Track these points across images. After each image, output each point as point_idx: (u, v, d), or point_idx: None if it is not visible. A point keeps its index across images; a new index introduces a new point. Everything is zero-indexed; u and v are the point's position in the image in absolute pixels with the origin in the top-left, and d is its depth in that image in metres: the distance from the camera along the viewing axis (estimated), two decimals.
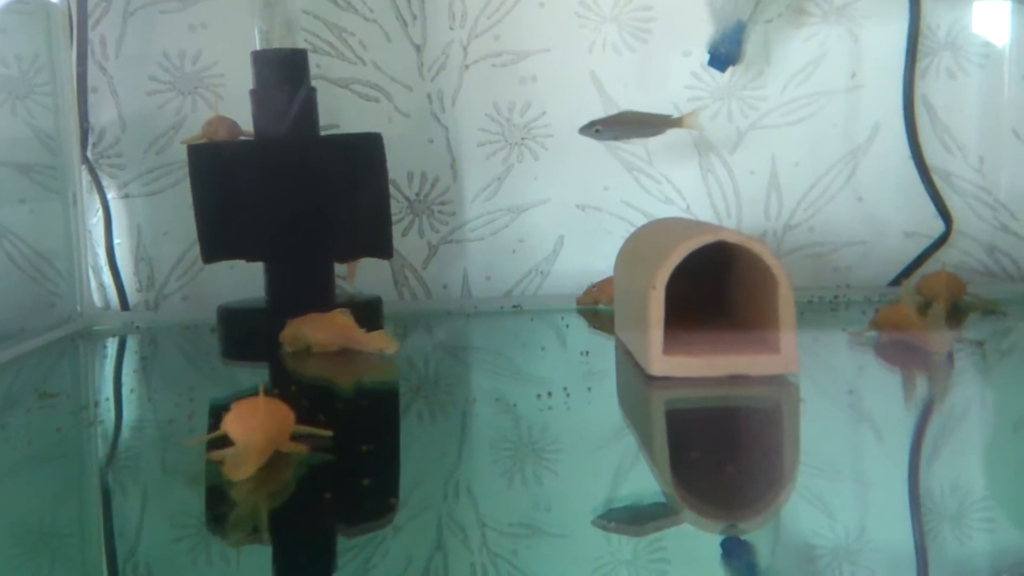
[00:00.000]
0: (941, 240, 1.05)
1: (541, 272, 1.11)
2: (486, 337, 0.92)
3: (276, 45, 0.86)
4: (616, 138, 1.01)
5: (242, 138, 0.88)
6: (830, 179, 1.09)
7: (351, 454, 0.54)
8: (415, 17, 1.07)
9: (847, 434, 0.57)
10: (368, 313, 0.88)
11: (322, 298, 0.86)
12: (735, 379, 0.62)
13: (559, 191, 1.10)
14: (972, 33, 1.05)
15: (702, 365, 0.63)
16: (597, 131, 0.98)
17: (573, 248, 1.10)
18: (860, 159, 1.08)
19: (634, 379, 0.66)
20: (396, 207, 1.09)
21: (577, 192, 1.10)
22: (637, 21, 1.07)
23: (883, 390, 0.67)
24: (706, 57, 1.03)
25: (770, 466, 0.52)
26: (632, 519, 0.46)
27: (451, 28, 1.07)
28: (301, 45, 0.88)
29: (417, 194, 1.10)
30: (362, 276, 1.07)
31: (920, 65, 1.06)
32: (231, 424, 0.50)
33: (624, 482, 0.50)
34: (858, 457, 0.54)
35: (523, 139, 1.09)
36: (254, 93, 0.86)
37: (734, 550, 0.43)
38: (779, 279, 0.61)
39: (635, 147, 1.10)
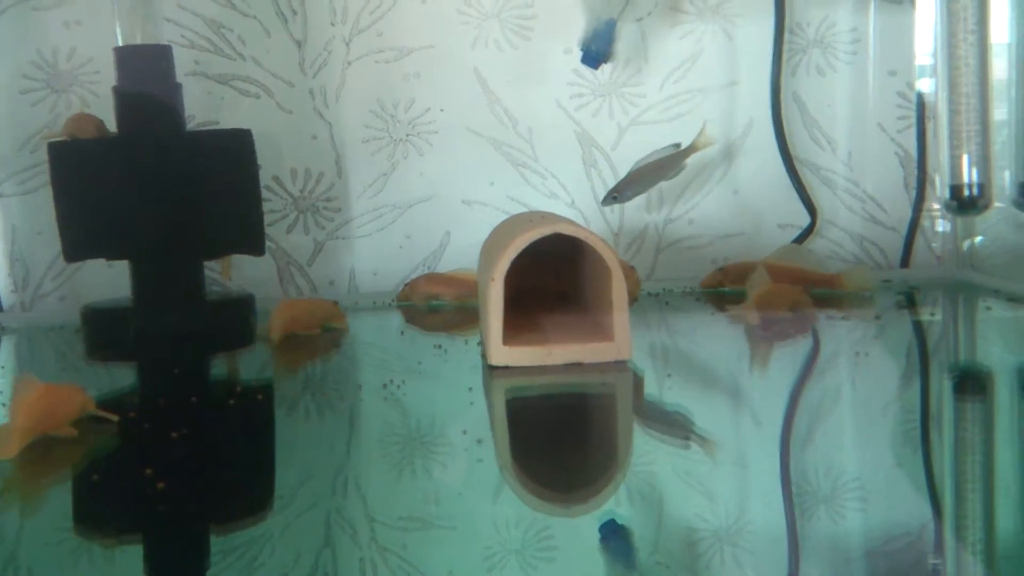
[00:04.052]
0: (807, 232, 1.08)
1: (428, 267, 1.12)
2: (357, 331, 0.93)
3: (139, 41, 0.85)
4: (638, 194, 1.02)
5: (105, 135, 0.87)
6: (708, 173, 1.11)
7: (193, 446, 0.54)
8: (295, 13, 1.07)
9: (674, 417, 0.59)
10: (239, 310, 0.88)
11: (189, 296, 0.86)
12: (572, 367, 0.64)
13: (445, 187, 1.11)
14: (840, 31, 1.09)
15: (540, 354, 0.64)
16: (614, 198, 1.00)
17: (460, 243, 1.11)
18: (736, 154, 1.11)
19: (477, 370, 0.67)
20: (280, 204, 1.09)
21: (463, 187, 1.11)
22: (519, 19, 1.09)
23: (739, 371, 0.69)
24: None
25: (586, 451, 0.54)
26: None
27: (332, 24, 1.07)
28: (165, 41, 0.87)
29: (302, 191, 1.09)
30: (246, 273, 1.07)
31: (791, 62, 1.09)
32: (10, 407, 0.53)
33: (452, 469, 0.51)
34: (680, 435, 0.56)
35: (408, 135, 1.10)
36: (116, 90, 0.85)
37: (612, 534, 0.44)
38: (612, 269, 0.62)
39: (520, 143, 1.11)
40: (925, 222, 1.10)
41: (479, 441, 0.53)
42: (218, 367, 0.79)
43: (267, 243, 1.09)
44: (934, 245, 1.11)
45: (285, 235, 1.10)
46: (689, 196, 1.12)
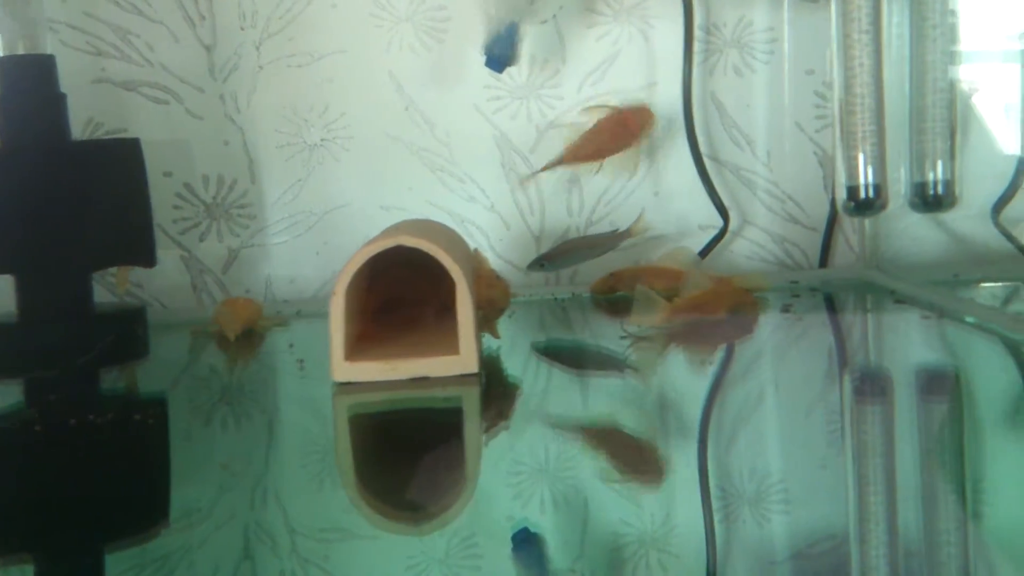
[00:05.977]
0: (721, 234, 1.07)
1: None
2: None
3: (20, 51, 0.84)
4: (565, 266, 1.04)
5: None
6: (628, 175, 1.10)
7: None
8: (203, 18, 1.06)
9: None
10: (129, 323, 0.87)
11: (77, 309, 0.85)
12: (419, 381, 0.63)
13: (362, 192, 1.09)
14: (756, 30, 1.07)
15: (383, 369, 0.63)
16: (542, 265, 1.02)
17: None
18: (656, 155, 1.09)
19: (323, 386, 0.66)
20: (192, 211, 1.08)
21: (381, 193, 1.10)
22: (432, 21, 1.08)
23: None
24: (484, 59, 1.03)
25: (415, 466, 0.53)
26: None
27: (242, 29, 1.06)
28: (49, 50, 0.86)
29: (214, 197, 1.08)
30: (157, 283, 1.06)
31: (708, 63, 1.08)
32: None
33: (296, 489, 0.50)
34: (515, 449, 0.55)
35: (323, 140, 1.09)
36: None
37: (524, 542, 0.44)
38: (457, 281, 0.61)
39: (437, 147, 1.10)
40: (845, 222, 1.08)
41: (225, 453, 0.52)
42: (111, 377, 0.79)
43: (180, 252, 1.08)
44: (853, 245, 1.09)
45: (198, 243, 1.09)
46: (610, 198, 1.10)
